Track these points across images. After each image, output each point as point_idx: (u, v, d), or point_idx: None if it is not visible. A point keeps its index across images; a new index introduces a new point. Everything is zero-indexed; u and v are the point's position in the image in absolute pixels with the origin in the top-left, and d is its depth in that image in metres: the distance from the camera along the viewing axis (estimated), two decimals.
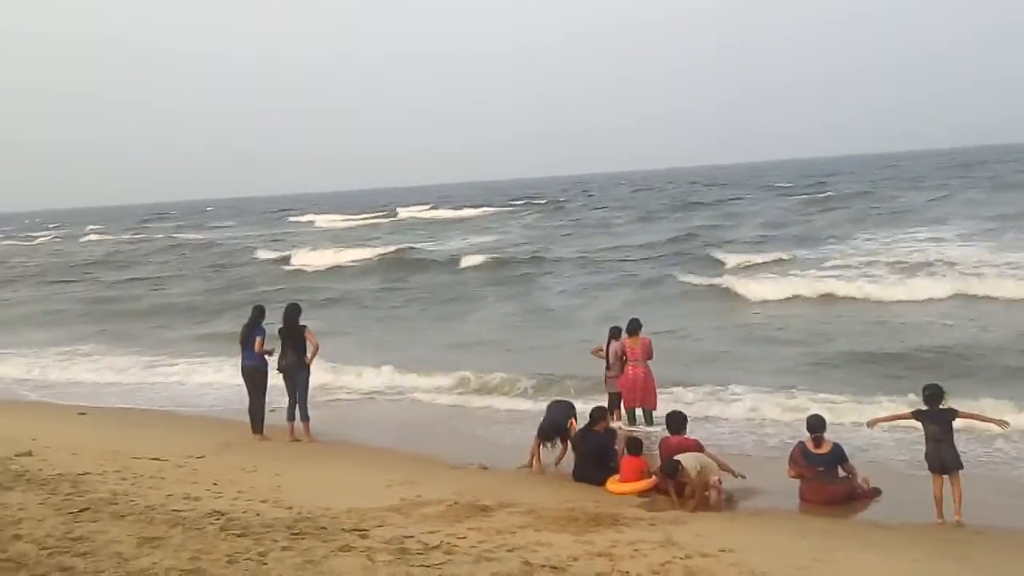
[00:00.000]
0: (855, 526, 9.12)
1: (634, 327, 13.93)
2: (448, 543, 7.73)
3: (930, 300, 22.51)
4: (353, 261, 42.84)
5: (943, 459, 9.14)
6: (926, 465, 9.30)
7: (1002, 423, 9.86)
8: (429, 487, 10.17)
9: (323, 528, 8.17)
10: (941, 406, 9.35)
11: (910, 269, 26.72)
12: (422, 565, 7.06)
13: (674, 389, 14.59)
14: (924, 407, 9.38)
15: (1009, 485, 10.16)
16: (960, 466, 9.16)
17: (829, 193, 70.06)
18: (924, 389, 9.51)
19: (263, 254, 50.13)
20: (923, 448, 9.38)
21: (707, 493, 9.83)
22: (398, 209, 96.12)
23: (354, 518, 8.64)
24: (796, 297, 24.48)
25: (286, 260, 46.28)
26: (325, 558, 7.17)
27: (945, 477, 9.16)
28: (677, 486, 9.85)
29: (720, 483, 9.99)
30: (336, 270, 41.03)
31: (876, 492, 9.93)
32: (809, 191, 76.26)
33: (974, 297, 22.19)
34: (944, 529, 8.93)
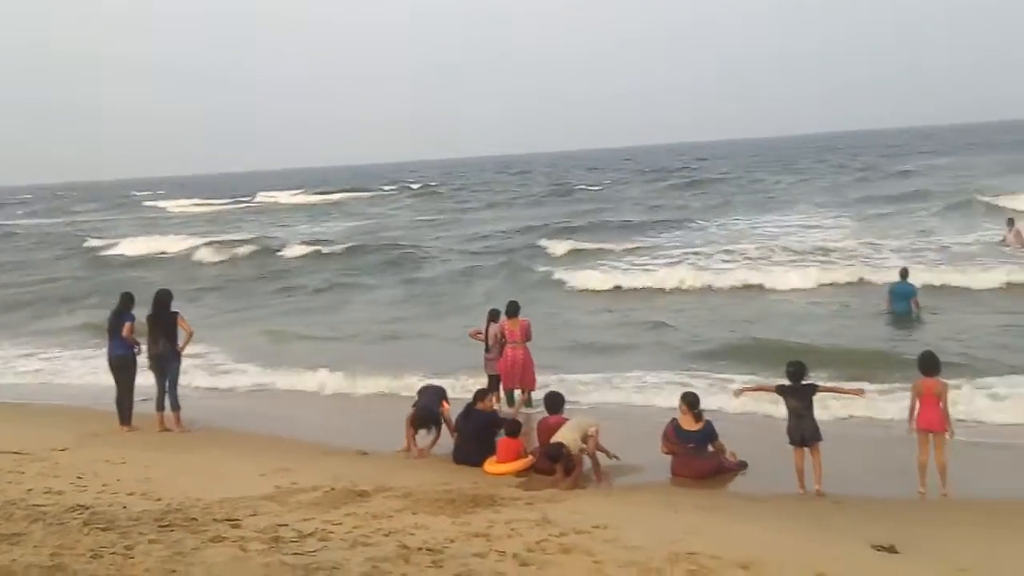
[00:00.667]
0: (724, 499, 9.44)
1: (513, 309, 14.03)
2: (323, 530, 7.65)
3: (746, 286, 23.43)
4: (183, 250, 42.14)
5: (803, 432, 9.56)
6: (788, 439, 9.70)
7: (858, 392, 10.41)
8: (305, 474, 10.03)
9: (193, 519, 7.96)
10: (803, 382, 9.77)
11: (756, 255, 27.49)
12: (296, 553, 6.95)
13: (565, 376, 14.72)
14: (787, 383, 9.78)
15: (865, 456, 10.69)
16: (819, 438, 9.59)
17: (694, 178, 72.60)
18: (787, 366, 9.91)
19: (93, 242, 48.69)
20: (785, 423, 9.79)
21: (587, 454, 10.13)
22: (258, 194, 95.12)
23: (226, 508, 8.44)
24: (617, 288, 24.87)
25: (108, 248, 45.65)
26: (195, 549, 6.99)
27: (806, 449, 9.58)
28: (565, 467, 10.02)
29: (597, 432, 10.25)
30: (157, 259, 40.71)
31: (743, 465, 10.30)
32: (677, 176, 78.46)
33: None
34: (806, 499, 9.34)
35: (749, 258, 26.95)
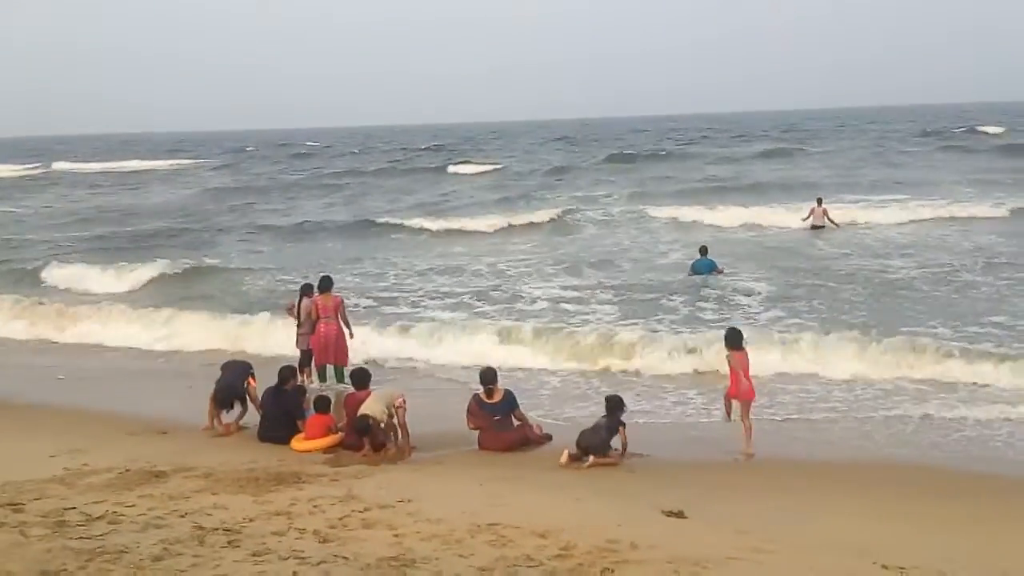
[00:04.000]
0: (527, 470, 9.66)
1: (325, 285, 13.87)
2: (114, 512, 7.36)
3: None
4: None
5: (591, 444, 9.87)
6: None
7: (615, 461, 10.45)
8: (99, 455, 9.58)
9: None
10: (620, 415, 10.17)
11: None
12: (82, 537, 6.66)
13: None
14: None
15: (659, 427, 11.29)
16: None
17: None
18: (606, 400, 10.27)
19: None
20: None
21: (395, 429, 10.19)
22: (55, 163, 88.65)
23: (9, 492, 7.97)
24: None
25: None
26: None
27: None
28: (374, 442, 10.03)
29: (403, 402, 10.31)
30: None
31: (547, 438, 10.60)
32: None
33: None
34: (605, 470, 9.72)
35: None
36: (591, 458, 9.54)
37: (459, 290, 20.31)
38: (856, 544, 7.07)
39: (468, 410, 10.52)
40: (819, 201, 28.63)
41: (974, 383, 12.45)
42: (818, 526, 7.74)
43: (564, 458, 9.62)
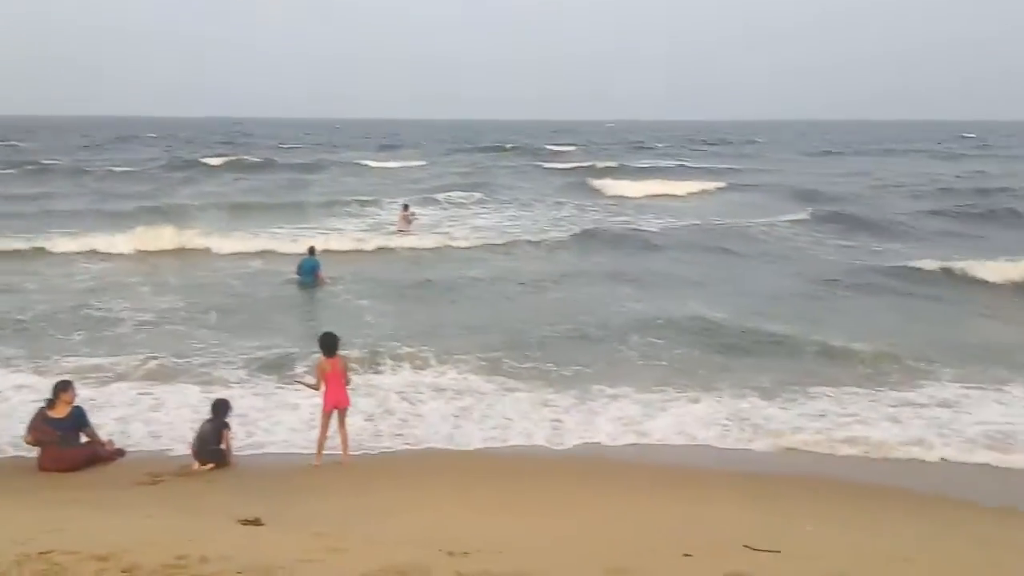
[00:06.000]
0: (94, 491, 8.95)
1: None
2: None
3: None
4: None
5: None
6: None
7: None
8: None
9: None
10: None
11: None
12: None
13: None
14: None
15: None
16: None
17: None
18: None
19: None
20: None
21: None
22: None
23: None
24: None
25: None
26: None
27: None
28: None
29: None
30: None
31: (119, 453, 9.91)
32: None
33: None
34: (179, 482, 9.28)
35: None
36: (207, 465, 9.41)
37: None
38: (425, 536, 7.38)
39: (30, 424, 9.54)
40: (405, 207, 29.78)
41: None
42: (395, 522, 7.99)
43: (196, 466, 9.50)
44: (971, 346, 14.89)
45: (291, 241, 25.65)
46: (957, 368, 13.41)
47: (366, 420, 11.33)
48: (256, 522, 7.67)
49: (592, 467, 10.00)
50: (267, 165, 58.34)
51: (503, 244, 26.57)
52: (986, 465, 10.08)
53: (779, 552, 7.09)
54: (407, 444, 10.76)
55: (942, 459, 10.20)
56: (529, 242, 26.87)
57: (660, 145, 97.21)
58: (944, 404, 11.93)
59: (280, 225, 29.78)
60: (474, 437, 10.90)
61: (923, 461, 10.19)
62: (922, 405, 11.91)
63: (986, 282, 20.98)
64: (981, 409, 11.70)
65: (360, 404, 11.45)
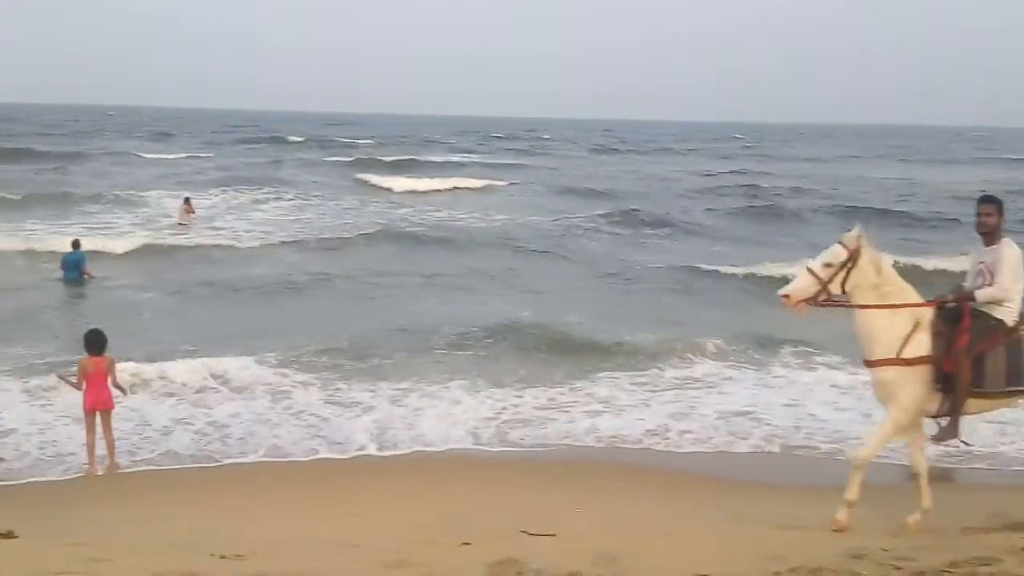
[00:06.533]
0: None
1: None
2: None
3: None
4: None
5: None
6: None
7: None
8: None
9: None
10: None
11: None
12: None
13: None
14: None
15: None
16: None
17: None
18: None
19: None
20: None
21: None
22: None
23: None
24: None
25: None
26: None
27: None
28: None
29: None
30: None
31: None
32: None
33: None
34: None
35: None
36: None
37: None
38: (196, 541, 7.15)
39: None
40: (187, 200, 28.93)
41: None
42: (164, 529, 7.71)
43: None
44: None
45: (53, 236, 23.89)
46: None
47: (138, 426, 10.79)
48: (9, 535, 7.14)
49: (377, 466, 9.99)
50: (24, 153, 53.84)
51: (290, 242, 25.91)
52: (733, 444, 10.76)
53: (554, 535, 7.37)
54: (184, 450, 10.31)
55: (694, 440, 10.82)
56: (317, 239, 26.40)
57: (453, 140, 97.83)
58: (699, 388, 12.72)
59: (41, 220, 27.63)
60: (258, 442, 10.55)
61: (681, 447, 10.75)
62: (677, 389, 12.66)
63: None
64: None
65: (133, 409, 10.92)
